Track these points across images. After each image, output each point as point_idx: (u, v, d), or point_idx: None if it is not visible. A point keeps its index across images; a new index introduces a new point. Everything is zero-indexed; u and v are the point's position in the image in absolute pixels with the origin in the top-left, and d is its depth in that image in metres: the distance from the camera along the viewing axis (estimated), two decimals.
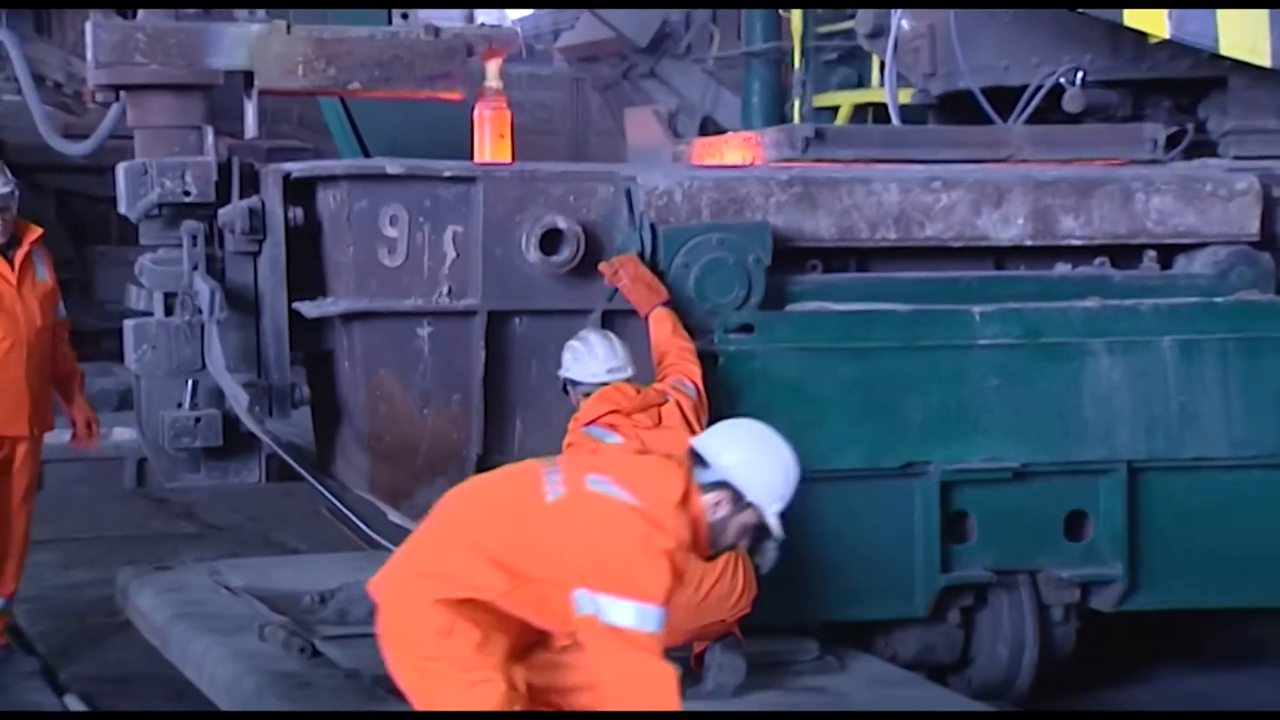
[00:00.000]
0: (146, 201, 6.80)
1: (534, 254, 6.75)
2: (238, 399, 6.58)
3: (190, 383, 6.81)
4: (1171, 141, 7.95)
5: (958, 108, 8.84)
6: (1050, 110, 8.31)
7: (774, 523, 4.79)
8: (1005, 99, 8.41)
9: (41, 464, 7.51)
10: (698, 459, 4.79)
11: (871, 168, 7.36)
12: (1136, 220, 7.29)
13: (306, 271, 6.84)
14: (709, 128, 13.63)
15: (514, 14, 25.84)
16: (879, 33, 9.44)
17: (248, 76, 7.22)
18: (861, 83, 12.71)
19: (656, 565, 4.60)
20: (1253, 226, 7.34)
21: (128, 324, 6.92)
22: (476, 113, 7.75)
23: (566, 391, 6.48)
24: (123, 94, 7.25)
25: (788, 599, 6.67)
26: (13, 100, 14.07)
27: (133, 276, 7.09)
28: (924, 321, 6.93)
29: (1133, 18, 7.65)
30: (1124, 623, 7.26)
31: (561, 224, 6.74)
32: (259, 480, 7.05)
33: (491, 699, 4.69)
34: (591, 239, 6.80)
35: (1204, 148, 8.27)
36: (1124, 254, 7.37)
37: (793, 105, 13.36)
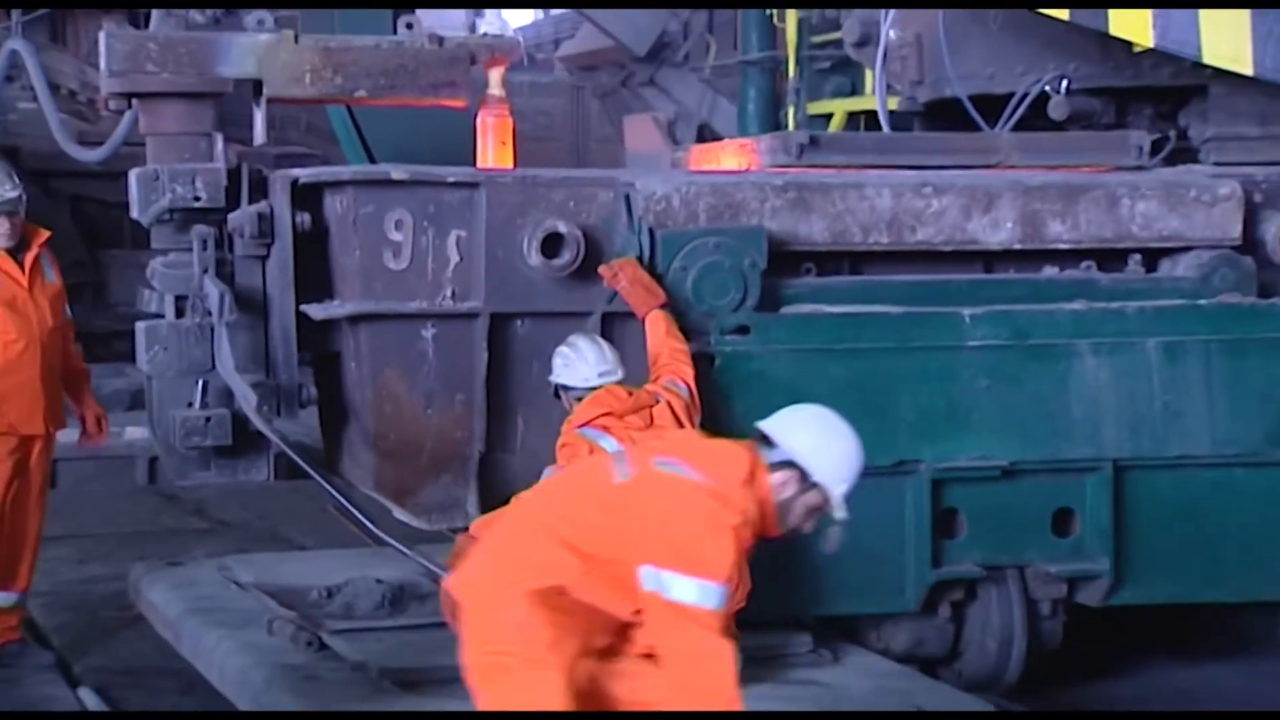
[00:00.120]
0: (158, 206, 6.80)
1: (535, 257, 6.74)
2: (247, 399, 6.57)
3: (200, 383, 6.81)
4: (1154, 148, 7.95)
5: (944, 114, 8.83)
6: (1035, 117, 8.30)
7: (839, 503, 4.77)
8: (991, 106, 8.41)
9: (54, 462, 7.51)
10: (764, 440, 4.78)
11: (864, 173, 7.35)
12: (1122, 225, 7.29)
13: (314, 275, 6.84)
14: (706, 134, 13.65)
15: (515, 23, 25.87)
16: (865, 41, 9.44)
17: (256, 85, 7.21)
18: (854, 91, 12.72)
19: (722, 542, 4.58)
20: (1235, 231, 7.35)
21: (140, 326, 6.91)
22: (479, 120, 7.75)
23: (558, 396, 6.48)
24: (135, 102, 7.25)
25: (782, 593, 6.67)
26: (29, 108, 14.10)
27: (145, 279, 7.08)
28: (915, 323, 6.93)
29: (1118, 27, 7.65)
30: (1110, 617, 7.26)
31: (562, 228, 6.74)
32: (267, 478, 7.05)
33: (551, 698, 4.64)
34: (591, 243, 6.80)
35: (1185, 154, 8.27)
36: (1110, 257, 7.37)
37: (787, 112, 13.38)
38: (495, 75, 7.58)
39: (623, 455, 4.90)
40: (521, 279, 6.79)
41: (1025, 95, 8.26)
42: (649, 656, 4.78)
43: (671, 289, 6.75)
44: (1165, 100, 8.44)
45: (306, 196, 6.80)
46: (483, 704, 4.73)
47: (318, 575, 7.59)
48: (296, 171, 6.83)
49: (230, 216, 6.79)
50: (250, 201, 6.79)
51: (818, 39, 13.08)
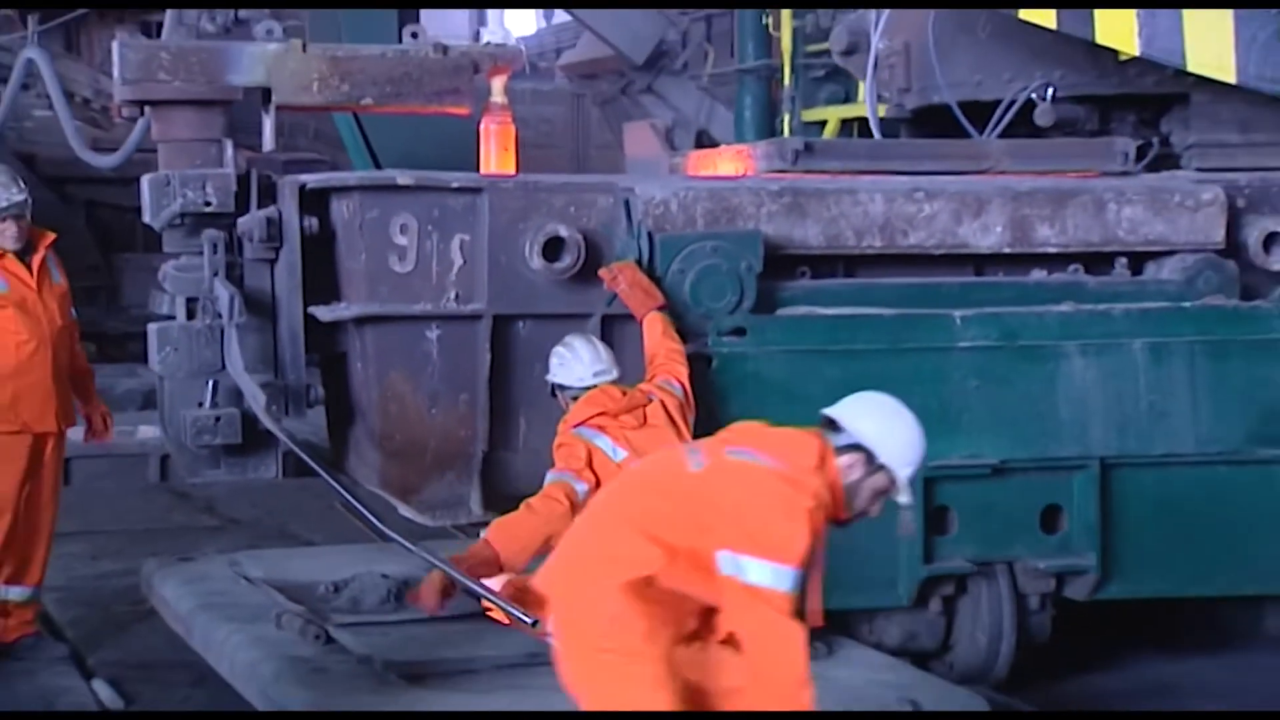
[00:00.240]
0: (170, 211, 6.79)
1: (537, 261, 6.74)
2: (256, 399, 6.57)
3: (211, 383, 6.81)
4: (1137, 155, 7.95)
5: (931, 121, 8.83)
6: (1020, 124, 8.30)
7: (904, 486, 4.79)
8: (978, 113, 8.41)
9: (67, 460, 7.50)
10: (830, 425, 4.81)
11: (858, 179, 7.35)
12: (1109, 229, 7.29)
13: (321, 277, 6.83)
14: (703, 141, 13.64)
15: (518, 33, 25.87)
16: (853, 50, 9.44)
17: (265, 93, 7.20)
18: (848, 98, 12.70)
19: (796, 526, 4.59)
20: (1218, 235, 7.35)
21: (151, 327, 6.91)
22: (482, 127, 7.75)
23: (555, 395, 6.47)
24: (147, 109, 7.24)
25: None
26: (44, 115, 14.09)
27: (157, 282, 7.08)
28: (907, 325, 6.93)
29: (1104, 35, 7.65)
30: (1097, 611, 7.25)
31: (563, 232, 6.74)
32: (276, 476, 7.05)
33: (655, 690, 4.64)
34: (591, 246, 6.80)
35: (1167, 160, 8.27)
36: (1097, 261, 7.37)
37: (783, 119, 13.37)
38: (498, 83, 7.58)
39: (696, 447, 4.90)
40: (523, 282, 6.79)
41: (1012, 102, 8.26)
42: (727, 641, 4.79)
43: (670, 291, 6.74)
44: (1148, 107, 8.44)
45: (314, 201, 6.79)
46: (587, 704, 4.71)
47: (325, 571, 7.58)
48: (304, 177, 6.83)
49: (240, 221, 6.78)
50: (259, 206, 6.79)
51: (812, 48, 13.06)
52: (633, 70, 14.65)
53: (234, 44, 7.17)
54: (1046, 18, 7.74)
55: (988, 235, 7.20)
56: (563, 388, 6.44)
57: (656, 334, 6.61)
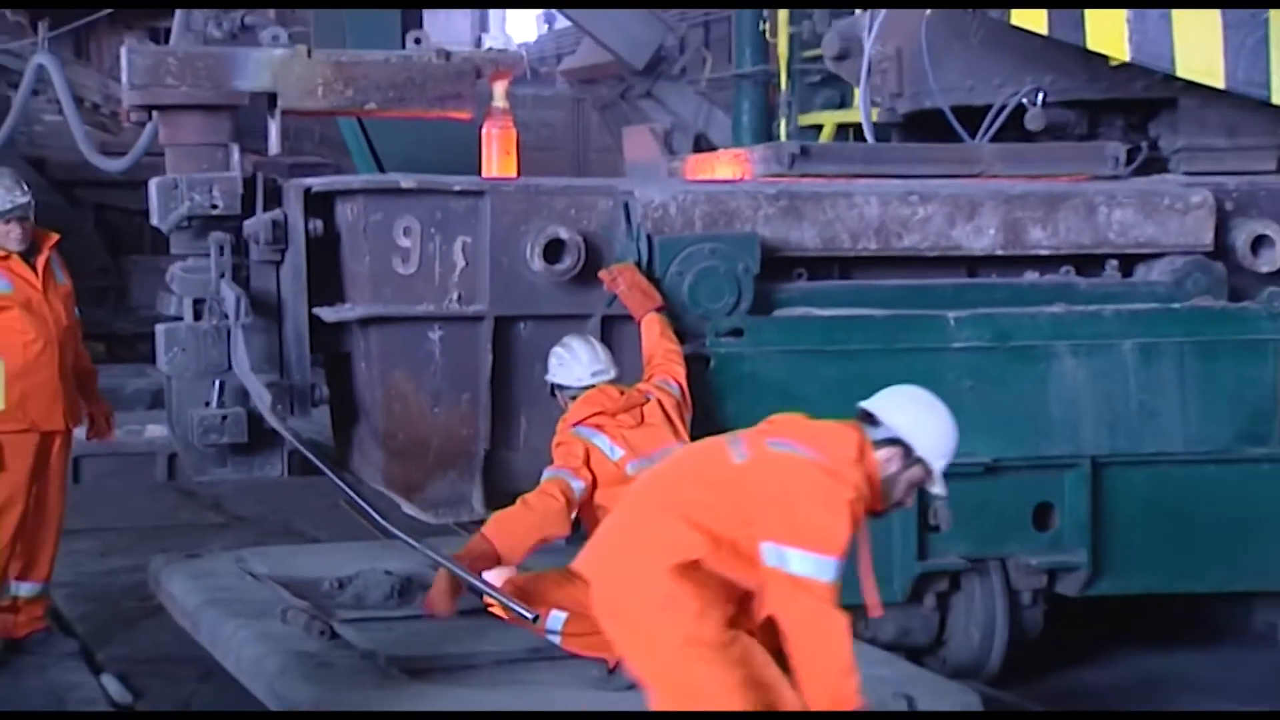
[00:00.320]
0: (177, 214, 6.78)
1: (538, 262, 6.74)
2: (261, 398, 6.56)
3: (217, 383, 6.80)
4: (1126, 159, 7.95)
5: (922, 125, 8.83)
6: (1011, 128, 8.29)
7: (939, 478, 4.83)
8: (969, 118, 8.40)
9: (77, 458, 7.49)
10: (866, 418, 4.83)
11: (853, 182, 7.35)
12: (1099, 232, 7.29)
13: (326, 279, 6.83)
14: (701, 145, 13.62)
15: (519, 39, 25.89)
16: (845, 55, 9.43)
17: (271, 98, 7.20)
18: (843, 103, 12.71)
19: (838, 517, 4.63)
20: (1207, 238, 7.35)
21: (159, 328, 6.90)
22: (484, 131, 7.74)
23: (554, 395, 6.46)
24: (155, 114, 7.23)
25: None
26: (54, 120, 14.08)
27: (164, 284, 7.07)
28: (902, 326, 6.92)
29: (1095, 41, 7.64)
30: (1088, 607, 7.25)
31: (564, 234, 6.74)
32: (281, 474, 7.05)
33: (717, 669, 4.67)
34: (591, 249, 6.80)
35: (1155, 164, 8.26)
36: (1088, 263, 7.37)
37: (780, 124, 13.38)
38: (500, 88, 7.57)
39: (737, 438, 4.91)
40: (524, 283, 6.79)
41: (1003, 107, 8.25)
42: (765, 625, 4.81)
43: (668, 293, 6.74)
44: (1136, 112, 8.43)
45: (319, 204, 6.79)
46: (661, 695, 4.75)
47: (329, 567, 7.57)
48: (309, 180, 6.83)
49: (246, 223, 6.78)
50: (265, 209, 6.79)
51: (808, 53, 13.07)
52: (632, 75, 14.63)
53: (240, 50, 7.17)
54: (1038, 23, 7.73)
55: (981, 238, 7.20)
56: (562, 387, 6.44)
57: (655, 335, 6.61)
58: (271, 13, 13.88)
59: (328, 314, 6.79)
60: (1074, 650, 7.39)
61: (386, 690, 6.02)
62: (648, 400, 6.34)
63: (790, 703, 4.72)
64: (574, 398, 6.36)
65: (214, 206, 6.75)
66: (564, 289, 6.80)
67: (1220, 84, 7.58)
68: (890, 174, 7.56)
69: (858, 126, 10.34)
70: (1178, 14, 7.48)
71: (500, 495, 6.61)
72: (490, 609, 6.29)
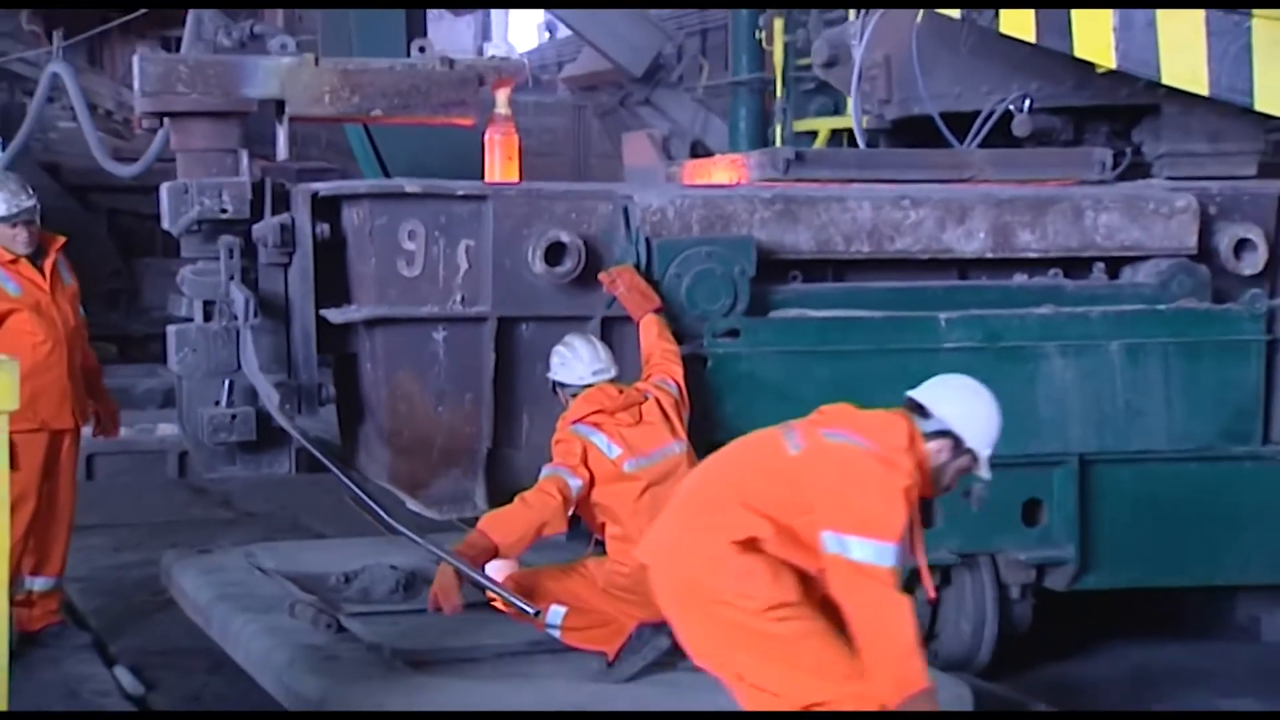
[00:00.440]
0: (188, 218, 6.77)
1: (539, 265, 6.73)
2: (270, 397, 6.56)
3: (227, 383, 6.79)
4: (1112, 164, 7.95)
5: (910, 131, 8.81)
6: (998, 134, 8.28)
7: (986, 465, 4.91)
8: (957, 123, 8.38)
9: (90, 456, 7.47)
10: (914, 408, 4.88)
11: (847, 187, 7.34)
12: (1087, 235, 7.28)
13: (332, 281, 6.81)
14: (699, 151, 13.60)
15: (521, 47, 25.87)
16: (833, 63, 9.42)
17: (279, 104, 7.19)
18: (837, 110, 12.70)
19: (894, 504, 4.69)
20: (1191, 241, 7.34)
21: (170, 329, 6.89)
22: (487, 137, 7.73)
23: (556, 392, 6.46)
24: (167, 121, 7.23)
25: None
26: (69, 127, 14.08)
27: (175, 286, 7.05)
28: (895, 327, 6.92)
29: (1082, 49, 7.62)
30: (1076, 601, 7.23)
31: (564, 238, 6.73)
32: (289, 471, 7.03)
33: (805, 625, 4.74)
34: (592, 252, 6.79)
35: (1138, 169, 8.25)
36: (1075, 265, 7.36)
37: (775, 130, 13.36)
38: (502, 95, 7.56)
39: (791, 429, 4.95)
40: (526, 285, 6.78)
41: (991, 113, 8.24)
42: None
43: (666, 295, 6.73)
44: (1120, 118, 8.42)
45: (326, 208, 6.78)
46: (749, 661, 4.78)
47: (336, 562, 7.57)
48: (316, 185, 6.81)
49: (254, 227, 6.76)
50: (273, 213, 6.77)
51: (803, 61, 13.03)
52: (631, 83, 14.61)
53: (249, 58, 7.16)
54: (1026, 31, 7.73)
55: (971, 241, 7.19)
56: (563, 385, 6.43)
57: (653, 335, 6.60)
58: (280, 22, 13.91)
59: (334, 315, 6.78)
60: (1062, 643, 7.38)
61: (392, 682, 6.01)
62: (646, 399, 6.33)
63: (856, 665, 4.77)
64: (575, 395, 6.36)
65: (223, 211, 6.74)
66: (565, 291, 6.79)
67: (1204, 91, 7.56)
68: (883, 179, 7.55)
69: (851, 132, 10.33)
70: (1163, 22, 7.46)
71: (503, 492, 6.60)
72: (492, 603, 6.29)
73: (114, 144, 13.18)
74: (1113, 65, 7.62)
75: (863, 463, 4.74)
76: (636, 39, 14.16)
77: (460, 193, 6.79)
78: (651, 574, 5.01)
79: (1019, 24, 7.73)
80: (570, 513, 6.17)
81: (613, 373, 6.41)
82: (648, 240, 6.82)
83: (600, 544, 6.39)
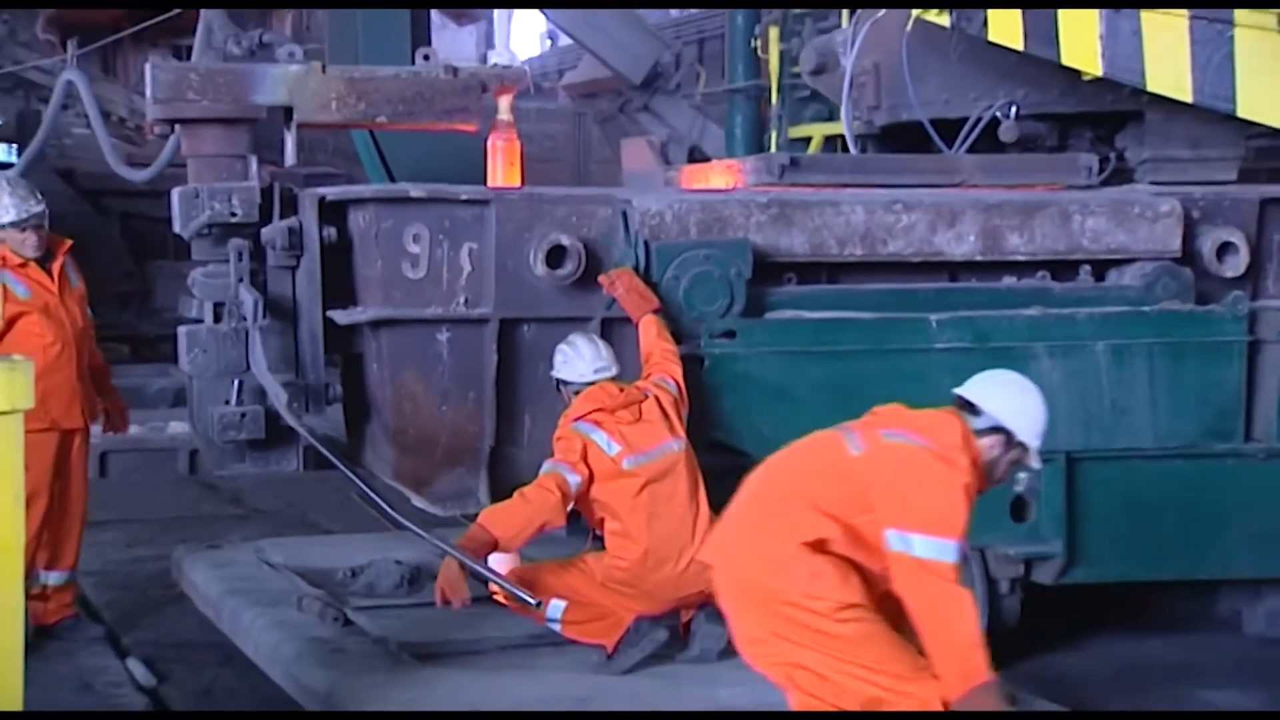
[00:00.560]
0: (198, 222, 6.77)
1: (541, 268, 6.73)
2: (278, 397, 6.55)
3: (236, 382, 6.79)
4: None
5: (898, 136, 8.81)
6: (984, 139, 8.28)
7: (1037, 457, 4.95)
8: (945, 130, 8.38)
9: (104, 454, 7.46)
10: (967, 406, 4.91)
11: (840, 192, 7.33)
12: (1074, 238, 7.27)
13: (339, 283, 6.81)
14: (696, 156, 13.59)
15: (523, 55, 25.85)
16: (821, 70, 9.40)
17: (287, 111, 7.18)
18: (831, 116, 12.65)
19: (955, 501, 4.73)
20: (1175, 244, 7.33)
21: (181, 330, 6.88)
22: (490, 143, 7.72)
23: (559, 389, 6.46)
24: (178, 127, 7.22)
25: None
26: (83, 133, 14.07)
27: (186, 288, 7.05)
28: (887, 328, 6.91)
29: (1069, 57, 7.62)
30: (1063, 595, 7.23)
31: (565, 241, 6.72)
32: (297, 469, 7.02)
33: (874, 628, 4.77)
34: (592, 255, 6.78)
35: (1121, 175, 8.25)
36: (1063, 268, 7.35)
37: (770, 136, 13.34)
38: (504, 102, 7.55)
39: (850, 431, 4.97)
40: (528, 287, 6.77)
41: (979, 120, 8.24)
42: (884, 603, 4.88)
43: (665, 296, 6.73)
44: (1103, 125, 8.42)
45: (333, 212, 6.77)
46: (818, 659, 4.78)
47: (343, 557, 7.57)
48: (323, 190, 6.81)
49: (263, 230, 6.76)
50: (281, 217, 6.77)
51: (798, 69, 13.00)
52: (630, 90, 14.60)
53: (258, 66, 7.15)
54: (1014, 39, 7.72)
55: (961, 244, 7.18)
56: (565, 383, 6.43)
57: (652, 335, 6.60)
58: (288, 31, 13.89)
59: (341, 317, 6.77)
60: (1050, 636, 7.37)
61: (397, 674, 6.01)
62: (646, 398, 6.32)
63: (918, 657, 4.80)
64: (577, 393, 6.35)
65: (233, 215, 6.74)
66: (565, 293, 6.78)
67: (1188, 98, 7.56)
68: (875, 184, 7.54)
69: (844, 138, 10.34)
70: (1148, 31, 7.47)
71: (505, 489, 6.59)
72: (494, 597, 6.28)
73: (127, 150, 13.16)
74: (1099, 73, 7.62)
75: (923, 461, 4.77)
76: (635, 47, 14.15)
77: (464, 197, 6.79)
78: (715, 574, 5.02)
79: (1007, 32, 7.73)
80: (570, 508, 6.16)
81: (614, 371, 6.41)
82: (646, 243, 6.81)
83: (599, 539, 6.38)
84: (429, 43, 8.78)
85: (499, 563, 6.33)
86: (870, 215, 7.09)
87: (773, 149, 12.84)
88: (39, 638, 6.90)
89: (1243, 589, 7.53)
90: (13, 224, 6.81)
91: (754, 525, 4.92)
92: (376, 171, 10.54)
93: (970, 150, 8.18)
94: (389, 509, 6.19)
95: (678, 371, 6.49)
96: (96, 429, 7.37)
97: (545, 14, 14.99)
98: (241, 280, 6.69)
